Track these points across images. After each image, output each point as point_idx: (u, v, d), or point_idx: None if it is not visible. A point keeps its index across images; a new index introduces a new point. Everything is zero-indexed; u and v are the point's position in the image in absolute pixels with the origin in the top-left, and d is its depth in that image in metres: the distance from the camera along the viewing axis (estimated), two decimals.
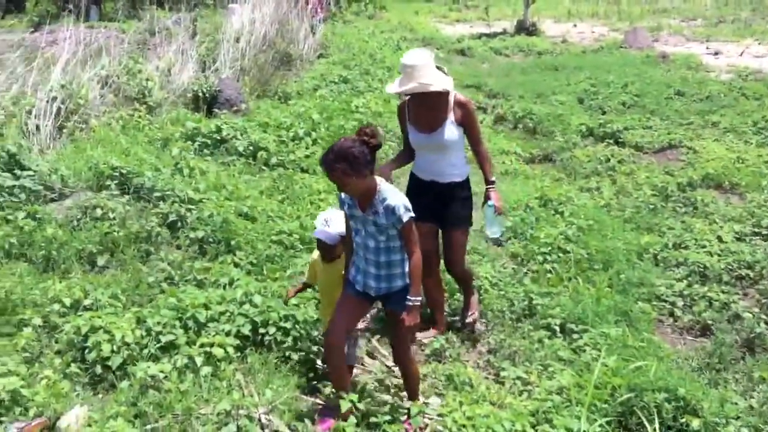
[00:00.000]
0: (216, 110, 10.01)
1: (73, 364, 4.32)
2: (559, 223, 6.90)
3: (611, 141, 10.33)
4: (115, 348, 4.31)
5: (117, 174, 6.60)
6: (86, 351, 4.34)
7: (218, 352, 4.35)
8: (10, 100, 7.88)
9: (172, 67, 10.65)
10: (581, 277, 5.89)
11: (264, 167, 8.18)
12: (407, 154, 5.14)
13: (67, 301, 4.83)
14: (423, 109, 4.90)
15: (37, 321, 4.67)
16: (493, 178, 5.06)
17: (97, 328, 4.42)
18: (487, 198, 5.02)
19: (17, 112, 7.77)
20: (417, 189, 5.07)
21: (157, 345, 4.41)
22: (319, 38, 16.04)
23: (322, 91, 11.99)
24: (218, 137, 8.44)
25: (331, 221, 4.34)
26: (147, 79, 9.63)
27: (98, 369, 4.27)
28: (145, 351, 4.37)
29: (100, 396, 4.20)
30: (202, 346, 4.38)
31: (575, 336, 5.06)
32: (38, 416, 3.86)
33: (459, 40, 20.32)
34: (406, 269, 3.98)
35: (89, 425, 3.80)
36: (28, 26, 14.11)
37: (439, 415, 4.13)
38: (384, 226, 3.85)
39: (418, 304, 3.93)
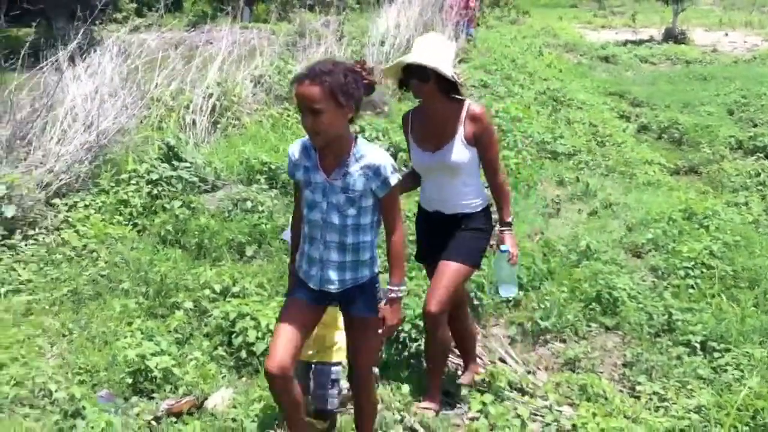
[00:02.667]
0: (359, 111, 10.24)
1: (220, 348, 4.55)
2: (704, 237, 6.67)
3: (762, 155, 9.87)
4: (260, 335, 4.49)
5: (266, 169, 6.92)
6: (233, 336, 4.55)
7: None
8: (170, 96, 8.38)
9: None
10: (725, 295, 5.68)
11: (404, 168, 8.31)
12: (415, 175, 4.18)
13: (217, 288, 5.09)
14: (427, 120, 3.99)
15: (189, 305, 4.95)
16: (510, 219, 4.09)
17: (244, 314, 4.63)
18: (500, 242, 4.07)
19: (176, 107, 8.26)
20: (423, 223, 4.23)
21: None
22: (461, 43, 16.11)
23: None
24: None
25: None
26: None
27: (243, 354, 4.47)
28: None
29: (244, 379, 4.41)
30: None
31: (716, 354, 4.89)
32: (187, 395, 4.07)
33: (603, 47, 19.93)
34: (375, 254, 3.25)
35: (234, 407, 4.01)
36: (185, 26, 14.87)
37: (573, 426, 4.11)
38: (358, 194, 3.07)
39: (401, 295, 3.24)
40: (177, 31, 11.93)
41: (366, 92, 3.10)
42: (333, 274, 3.19)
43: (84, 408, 3.76)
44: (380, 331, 3.23)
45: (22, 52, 6.76)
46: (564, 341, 5.08)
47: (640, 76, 16.32)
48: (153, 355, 4.22)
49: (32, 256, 5.54)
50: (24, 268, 5.40)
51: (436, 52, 3.80)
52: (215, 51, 9.65)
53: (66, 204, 6.19)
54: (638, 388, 4.59)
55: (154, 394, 4.07)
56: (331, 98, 2.92)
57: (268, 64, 10.25)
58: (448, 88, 3.84)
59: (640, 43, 21.03)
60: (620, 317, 5.34)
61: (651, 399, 4.49)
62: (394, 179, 3.06)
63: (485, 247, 4.14)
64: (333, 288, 3.21)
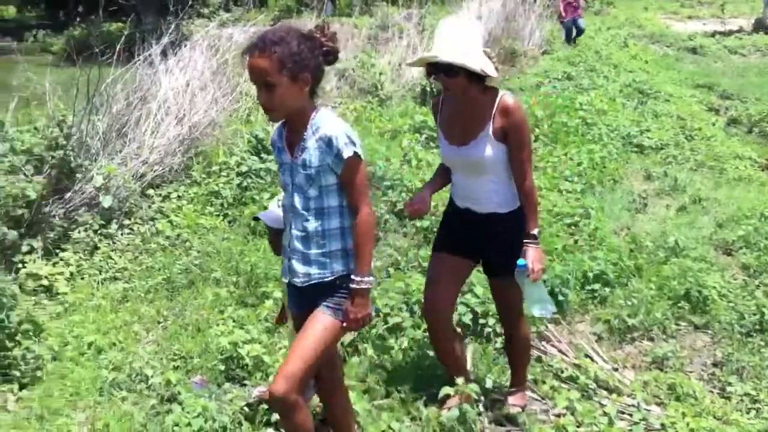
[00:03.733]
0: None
1: None
2: None
3: None
4: None
5: None
6: None
7: None
8: None
9: (402, 62, 11.05)
10: None
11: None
12: (448, 168, 3.83)
13: None
14: (456, 111, 3.61)
15: (278, 294, 5.06)
16: (536, 231, 3.57)
17: None
18: (522, 256, 3.54)
19: None
20: (451, 215, 3.89)
21: (385, 326, 4.65)
22: (544, 34, 15.93)
23: (545, 87, 11.94)
24: None
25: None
26: (380, 73, 10.08)
27: None
28: (374, 331, 4.62)
29: None
30: (425, 330, 4.57)
31: None
32: None
33: (690, 38, 19.37)
34: (349, 246, 2.92)
35: None
36: (270, 20, 15.12)
37: (661, 425, 4.05)
38: (315, 170, 2.79)
39: (367, 286, 2.88)
40: (262, 26, 12.12)
41: (327, 60, 2.82)
42: (297, 266, 2.93)
43: (179, 393, 3.89)
44: (344, 324, 2.91)
45: (118, 47, 7.00)
46: (652, 339, 5.00)
47: (729, 68, 15.80)
48: (244, 342, 4.32)
49: (128, 245, 5.77)
50: (120, 257, 5.63)
51: (462, 41, 3.35)
52: None
53: (160, 195, 6.42)
54: (729, 388, 4.49)
55: (246, 381, 4.17)
56: (284, 70, 2.66)
57: (351, 58, 10.36)
58: (480, 77, 3.39)
59: (728, 33, 20.34)
60: (710, 316, 5.23)
61: (742, 400, 4.39)
62: (347, 151, 2.74)
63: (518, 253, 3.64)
64: (298, 282, 2.94)
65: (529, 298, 3.72)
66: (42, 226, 5.55)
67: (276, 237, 3.30)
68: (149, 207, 6.21)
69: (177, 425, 3.57)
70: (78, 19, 16.96)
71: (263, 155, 6.91)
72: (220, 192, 6.46)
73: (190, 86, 7.40)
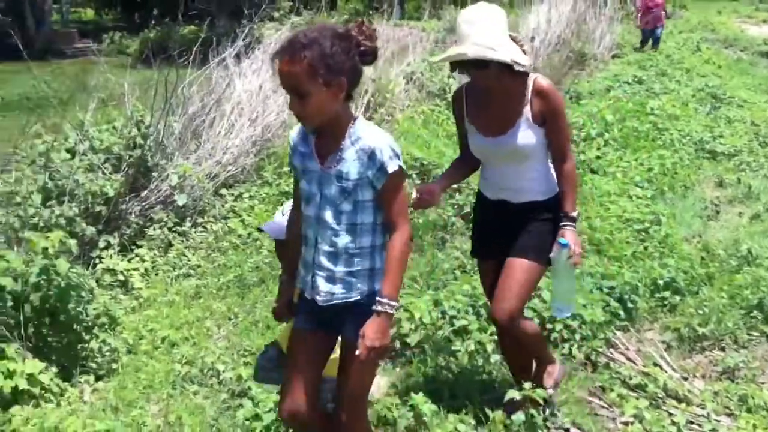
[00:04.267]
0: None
1: None
2: None
3: None
4: (413, 326, 4.60)
5: (418, 164, 7.05)
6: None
7: None
8: None
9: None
10: None
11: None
12: (466, 163, 3.68)
13: None
14: (487, 101, 3.44)
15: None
16: (575, 214, 3.45)
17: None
18: (560, 236, 3.40)
19: None
20: (483, 213, 3.74)
21: (451, 328, 4.66)
22: (615, 38, 15.73)
23: (615, 91, 11.80)
24: None
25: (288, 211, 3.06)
26: (448, 77, 10.10)
27: (397, 344, 4.61)
28: (440, 333, 4.65)
29: (398, 369, 4.54)
30: (492, 334, 4.58)
31: None
32: None
33: (765, 42, 18.87)
34: (380, 266, 2.69)
35: (389, 395, 4.14)
36: (339, 23, 15.28)
37: None
38: (353, 184, 2.58)
39: (391, 311, 2.62)
40: None
41: (365, 60, 2.58)
42: (321, 284, 2.69)
43: (250, 388, 3.98)
44: (357, 352, 2.59)
45: (194, 50, 7.18)
46: (723, 349, 4.90)
47: None
48: None
49: (201, 242, 5.93)
50: (194, 254, 5.78)
51: (489, 33, 3.17)
52: None
53: (232, 194, 6.57)
54: None
55: None
56: (316, 76, 2.44)
57: (419, 61, 10.41)
58: (510, 66, 3.22)
59: None
60: None
61: None
62: (392, 165, 2.55)
63: (552, 240, 3.47)
64: (319, 300, 2.71)
65: (556, 290, 3.59)
66: (119, 222, 5.74)
67: (281, 247, 3.12)
68: (222, 206, 6.37)
69: (248, 420, 3.66)
70: (153, 22, 17.35)
71: None
72: (290, 192, 6.55)
73: (262, 88, 7.55)
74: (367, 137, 2.57)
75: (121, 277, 5.34)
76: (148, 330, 4.76)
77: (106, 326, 4.62)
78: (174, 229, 5.95)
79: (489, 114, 3.42)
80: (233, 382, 4.12)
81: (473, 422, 3.82)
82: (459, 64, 3.33)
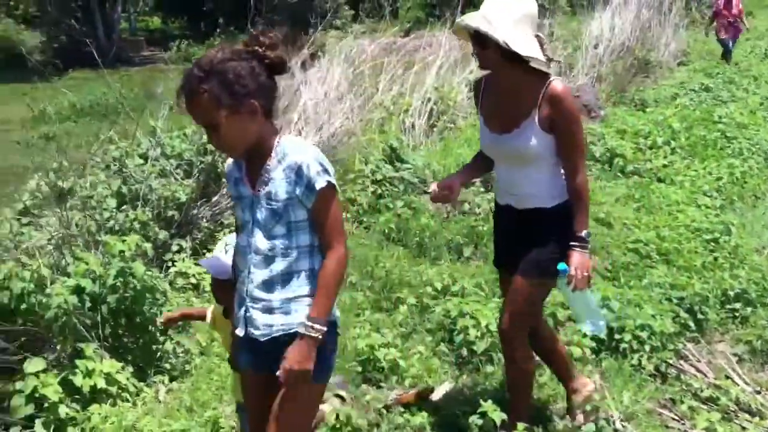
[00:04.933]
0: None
1: (442, 344, 4.71)
2: None
3: None
4: (479, 334, 4.59)
5: None
6: (454, 333, 4.71)
7: (575, 351, 4.49)
8: (390, 100, 8.75)
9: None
10: None
11: (620, 174, 8.17)
12: (486, 158, 3.48)
13: (438, 285, 5.26)
14: (498, 97, 3.28)
15: (412, 300, 5.16)
16: (584, 234, 3.21)
17: (464, 313, 4.77)
18: (566, 260, 3.20)
19: (396, 110, 8.62)
20: (496, 218, 3.61)
21: None
22: (681, 45, 15.48)
23: (681, 99, 11.63)
24: None
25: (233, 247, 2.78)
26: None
27: (464, 351, 4.61)
28: None
29: (464, 376, 4.55)
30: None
31: None
32: (413, 387, 4.27)
33: None
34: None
35: (457, 402, 4.14)
36: (400, 31, 15.37)
37: None
38: (283, 204, 2.40)
39: (316, 334, 2.41)
40: (392, 37, 12.35)
41: (274, 72, 2.41)
42: (258, 317, 2.50)
43: None
44: (278, 373, 2.43)
45: None
46: None
47: None
48: (381, 346, 4.44)
49: None
50: None
51: (496, 10, 3.04)
52: (432, 57, 9.94)
53: None
54: None
55: (382, 384, 4.29)
56: (221, 106, 2.30)
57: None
58: (516, 57, 3.05)
59: None
60: None
61: None
62: (320, 181, 2.36)
63: (560, 253, 3.25)
64: (258, 334, 2.50)
65: (575, 310, 3.45)
66: (191, 227, 5.89)
67: (220, 288, 2.91)
68: None
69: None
70: (218, 30, 17.80)
71: (397, 164, 7.09)
72: (356, 199, 6.66)
73: (327, 96, 7.66)
74: (293, 152, 2.40)
75: (193, 281, 5.47)
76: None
77: (180, 328, 4.73)
78: None
79: (499, 109, 3.27)
80: None
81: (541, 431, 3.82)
82: (474, 44, 3.17)
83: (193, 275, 5.50)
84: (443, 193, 3.41)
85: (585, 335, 4.52)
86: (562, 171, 3.29)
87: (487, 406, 3.78)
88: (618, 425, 3.96)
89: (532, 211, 3.30)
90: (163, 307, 4.61)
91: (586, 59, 12.34)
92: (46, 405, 3.75)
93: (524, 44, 3.04)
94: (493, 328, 4.55)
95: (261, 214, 2.44)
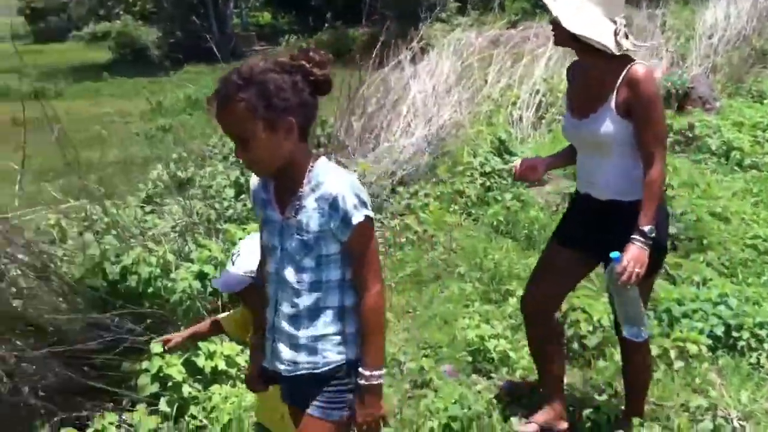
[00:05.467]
0: (688, 107, 9.93)
1: None
2: None
3: None
4: (591, 328, 4.55)
5: None
6: (565, 327, 4.68)
7: (692, 348, 4.40)
8: (499, 93, 8.73)
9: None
10: None
11: (736, 168, 7.91)
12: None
13: None
14: (583, 80, 3.20)
15: (521, 293, 5.15)
16: (647, 228, 3.00)
17: (575, 307, 4.73)
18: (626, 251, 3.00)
19: (504, 103, 8.60)
20: (574, 202, 3.50)
21: None
22: None
23: None
24: (690, 134, 8.39)
25: (241, 254, 2.72)
26: None
27: (575, 345, 4.58)
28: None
29: (575, 370, 4.52)
30: (674, 340, 4.47)
31: None
32: (523, 378, 4.28)
33: None
34: (350, 329, 2.32)
35: (566, 394, 4.12)
36: (507, 23, 15.24)
37: None
38: (314, 237, 2.22)
39: (378, 382, 2.32)
40: (499, 30, 12.27)
41: (318, 91, 2.21)
42: (284, 351, 2.35)
43: (431, 380, 4.11)
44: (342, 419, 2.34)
45: (374, 52, 7.44)
46: None
47: None
48: (491, 337, 4.46)
49: (379, 238, 6.13)
50: None
51: (586, 5, 2.95)
52: (541, 48, 9.84)
53: (408, 192, 6.76)
54: None
55: (492, 374, 4.32)
56: (256, 118, 2.11)
57: None
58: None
59: None
60: None
61: None
62: (358, 216, 2.17)
63: (653, 248, 3.06)
64: (283, 369, 2.36)
65: (615, 304, 3.22)
66: None
67: (246, 294, 2.72)
68: (398, 203, 6.57)
69: (430, 411, 3.78)
70: (326, 25, 18.08)
71: (505, 156, 7.08)
72: (464, 191, 6.69)
73: (435, 89, 7.71)
74: (329, 183, 2.19)
75: None
76: None
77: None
78: None
79: (581, 93, 3.18)
80: (415, 373, 4.25)
81: (658, 427, 3.77)
82: (551, 21, 3.08)
83: None
84: (525, 172, 3.39)
85: (701, 332, 4.43)
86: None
87: (601, 400, 3.76)
88: (736, 424, 3.87)
89: (611, 203, 3.19)
90: None
91: (699, 49, 11.96)
92: (170, 384, 3.91)
93: (581, 22, 2.94)
94: (606, 322, 4.51)
95: (290, 243, 2.25)
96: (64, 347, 3.63)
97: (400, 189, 6.75)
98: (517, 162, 3.45)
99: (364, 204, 2.19)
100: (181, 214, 5.00)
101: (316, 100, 2.21)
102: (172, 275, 4.33)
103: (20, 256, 3.79)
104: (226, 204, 5.54)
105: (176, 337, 2.96)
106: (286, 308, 2.29)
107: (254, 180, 2.41)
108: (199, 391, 4.03)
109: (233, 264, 2.70)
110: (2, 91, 16.77)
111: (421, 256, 5.81)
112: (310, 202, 2.21)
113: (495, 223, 6.22)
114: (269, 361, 2.41)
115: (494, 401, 3.93)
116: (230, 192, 5.69)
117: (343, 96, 6.66)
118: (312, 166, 2.23)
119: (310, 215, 2.20)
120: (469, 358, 4.39)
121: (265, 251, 2.39)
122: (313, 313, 2.27)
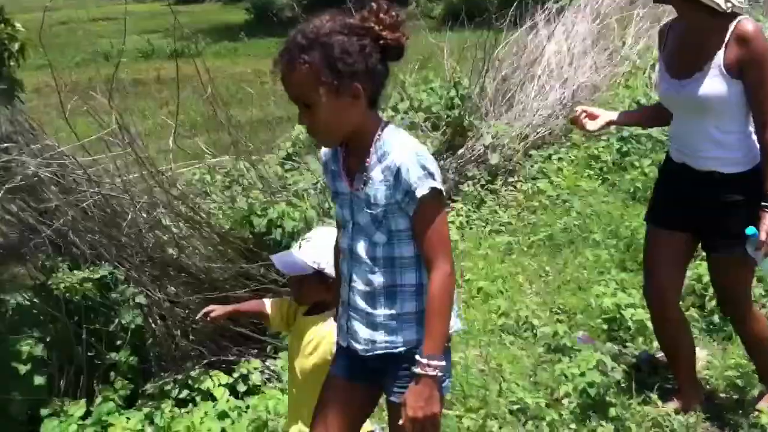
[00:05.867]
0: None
1: (692, 309, 4.57)
2: None
3: None
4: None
5: None
6: (706, 298, 4.55)
7: None
8: (637, 54, 8.46)
9: None
10: None
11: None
12: (657, 111, 3.26)
13: None
14: (682, 40, 3.00)
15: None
16: None
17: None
18: (760, 221, 2.86)
19: (642, 65, 8.32)
20: (666, 176, 3.29)
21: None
22: None
23: None
24: None
25: (310, 241, 2.64)
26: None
27: (716, 318, 4.45)
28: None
29: (716, 344, 4.39)
30: None
31: None
32: (660, 349, 4.20)
33: None
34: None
35: (707, 368, 4.03)
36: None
37: None
38: (382, 210, 2.07)
39: (434, 372, 2.05)
40: None
41: (388, 56, 2.04)
42: (360, 330, 2.21)
43: (565, 345, 4.10)
44: (400, 422, 2.12)
45: (510, 12, 7.34)
46: None
47: None
48: (627, 306, 4.37)
49: (512, 201, 6.12)
50: (504, 212, 6.00)
51: None
52: None
53: (541, 155, 6.69)
54: None
55: (628, 344, 4.25)
56: (320, 82, 1.96)
57: None
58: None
59: None
60: None
61: None
62: (423, 188, 1.99)
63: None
64: (360, 349, 2.22)
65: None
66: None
67: (297, 283, 2.67)
68: (531, 167, 6.51)
69: (565, 375, 3.78)
70: None
71: None
72: (599, 156, 6.55)
73: (571, 51, 7.54)
74: (394, 153, 2.03)
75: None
76: (465, 280, 5.03)
77: None
78: (486, 186, 6.21)
79: (681, 52, 2.99)
80: (548, 337, 4.24)
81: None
82: None
83: None
84: (581, 119, 3.26)
85: None
86: (752, 129, 2.97)
87: (736, 377, 3.65)
88: None
89: (710, 174, 3.01)
90: None
91: None
92: None
93: None
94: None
95: (361, 218, 2.12)
96: (215, 294, 3.82)
97: (533, 152, 6.68)
98: (581, 107, 3.32)
99: (430, 175, 2.00)
100: (322, 172, 5.13)
101: (387, 66, 2.06)
102: None
103: (175, 207, 3.99)
104: None
105: (219, 309, 2.91)
106: (360, 285, 2.16)
107: (325, 151, 2.28)
108: None
109: (299, 248, 2.64)
110: (147, 51, 17.49)
111: (554, 220, 5.76)
112: (376, 174, 2.05)
113: (632, 189, 6.06)
114: (344, 338, 2.28)
115: (631, 371, 3.88)
116: None
117: (477, 58, 6.61)
118: (379, 135, 2.07)
119: (377, 187, 2.05)
120: (604, 326, 4.34)
121: (339, 226, 2.30)
122: (390, 291, 2.13)
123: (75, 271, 3.54)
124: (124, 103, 3.91)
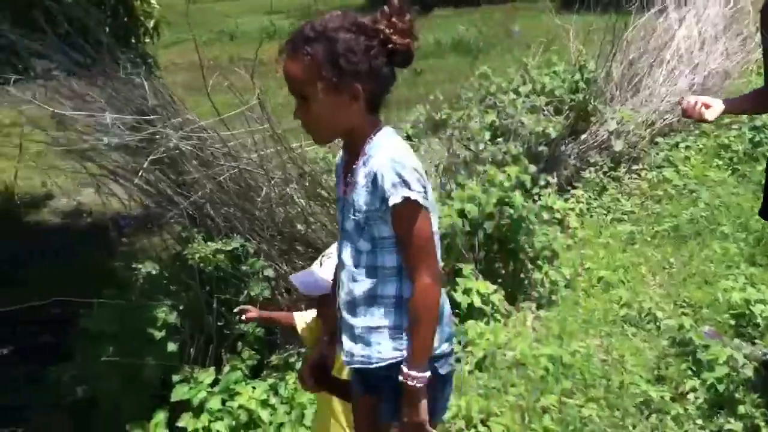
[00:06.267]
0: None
1: None
2: None
3: None
4: None
5: None
6: None
7: None
8: None
9: None
10: None
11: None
12: (766, 95, 3.05)
13: None
14: None
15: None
16: None
17: None
18: None
19: None
20: None
21: None
22: None
23: None
24: None
25: (332, 258, 2.49)
26: None
27: None
28: None
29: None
30: None
31: None
32: None
33: None
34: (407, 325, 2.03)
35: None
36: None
37: None
38: (363, 216, 1.97)
39: (420, 384, 1.99)
40: None
41: (394, 61, 1.95)
42: (344, 341, 2.13)
43: (691, 339, 3.98)
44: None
45: None
46: None
47: None
48: (756, 302, 4.22)
49: (635, 189, 5.97)
50: (627, 200, 5.86)
51: None
52: None
53: (668, 143, 6.49)
54: None
55: (756, 341, 4.10)
56: (319, 77, 1.89)
57: None
58: None
59: None
60: None
61: None
62: (395, 197, 1.88)
63: None
64: (344, 360, 2.16)
65: None
66: (558, 163, 6.00)
67: (324, 303, 2.50)
68: (656, 154, 6.33)
69: (691, 369, 3.68)
70: None
71: None
72: (730, 145, 6.31)
73: (702, 36, 7.26)
74: (375, 156, 1.94)
75: (557, 215, 5.59)
76: (585, 268, 4.96)
77: (547, 260, 4.89)
78: (609, 173, 6.08)
79: None
80: (673, 330, 4.14)
81: None
82: None
83: (558, 210, 5.62)
84: (694, 109, 3.01)
85: None
86: None
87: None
88: None
89: None
90: (535, 237, 4.77)
91: None
92: None
93: None
94: None
95: (348, 224, 2.04)
96: None
97: (660, 140, 6.49)
98: (692, 97, 3.09)
99: (404, 183, 1.88)
100: (445, 153, 5.14)
101: (393, 71, 1.97)
102: None
103: (305, 183, 4.09)
104: (481, 146, 5.60)
105: (254, 312, 2.93)
106: (343, 294, 2.09)
107: (340, 153, 2.19)
108: (455, 324, 4.19)
109: (320, 266, 2.54)
110: (270, 31, 17.91)
111: (680, 211, 5.59)
112: (360, 178, 1.97)
113: (764, 181, 5.81)
114: (340, 349, 2.20)
115: (760, 368, 3.75)
116: (486, 134, 5.74)
117: (605, 40, 6.46)
118: (371, 138, 1.98)
119: (360, 193, 1.97)
120: (732, 322, 4.21)
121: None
122: (369, 301, 2.04)
123: (209, 243, 3.68)
124: (261, 81, 4.02)
